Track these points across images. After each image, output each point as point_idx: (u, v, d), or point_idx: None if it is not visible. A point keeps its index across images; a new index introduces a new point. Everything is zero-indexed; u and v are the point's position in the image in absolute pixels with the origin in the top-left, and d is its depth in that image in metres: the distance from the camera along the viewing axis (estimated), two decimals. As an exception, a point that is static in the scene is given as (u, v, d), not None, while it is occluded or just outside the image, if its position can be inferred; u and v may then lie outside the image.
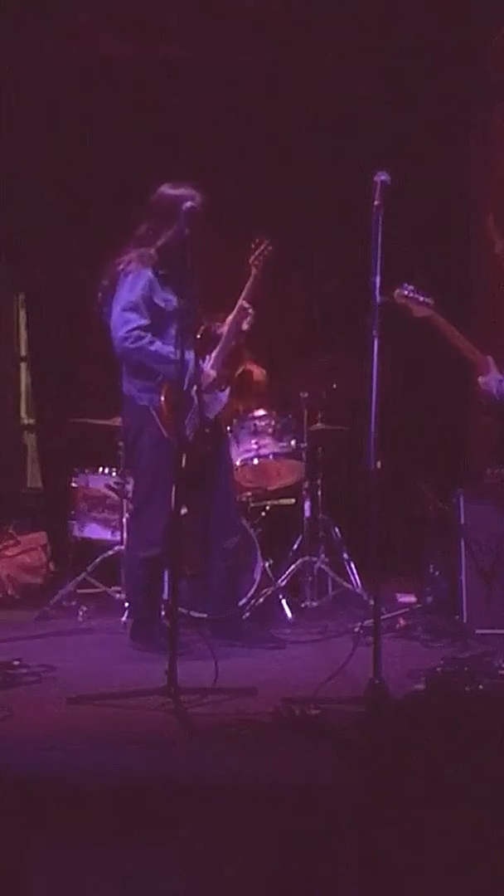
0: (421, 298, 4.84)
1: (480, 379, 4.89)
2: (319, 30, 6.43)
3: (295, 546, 5.94)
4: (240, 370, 6.11)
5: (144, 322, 4.83)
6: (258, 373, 6.40)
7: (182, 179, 4.82)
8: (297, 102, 6.79)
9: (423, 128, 6.64)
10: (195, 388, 4.45)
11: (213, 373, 5.06)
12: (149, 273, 4.86)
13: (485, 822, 2.71)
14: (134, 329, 4.82)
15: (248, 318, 5.12)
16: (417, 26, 6.27)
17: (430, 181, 6.56)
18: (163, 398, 4.84)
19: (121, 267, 4.90)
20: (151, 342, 4.82)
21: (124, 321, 4.84)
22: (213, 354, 5.09)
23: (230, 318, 5.12)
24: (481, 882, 2.56)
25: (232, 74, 6.75)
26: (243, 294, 5.14)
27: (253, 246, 5.20)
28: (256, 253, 5.18)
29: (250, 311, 5.12)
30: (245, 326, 5.14)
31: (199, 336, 4.93)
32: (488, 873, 2.58)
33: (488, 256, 5.36)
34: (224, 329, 5.12)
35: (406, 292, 4.81)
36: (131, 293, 4.86)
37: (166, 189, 4.84)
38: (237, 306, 5.11)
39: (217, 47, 6.61)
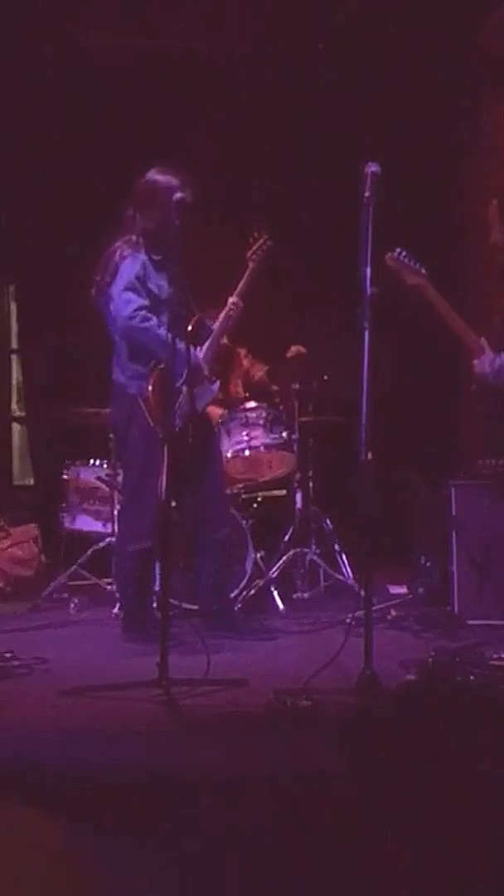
0: (413, 264, 4.79)
1: (475, 361, 4.87)
2: (310, 18, 6.42)
3: (286, 537, 5.94)
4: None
5: (145, 302, 4.81)
6: (243, 357, 6.44)
7: (174, 168, 4.81)
8: (287, 91, 6.79)
9: (416, 116, 6.63)
10: (188, 378, 4.45)
11: (203, 365, 5.05)
12: (143, 257, 4.85)
13: (478, 812, 2.72)
14: (139, 308, 4.79)
15: (236, 312, 5.12)
16: (410, 12, 6.26)
17: (421, 168, 6.56)
18: (150, 387, 4.83)
19: (116, 256, 4.89)
20: (159, 325, 4.76)
21: (126, 300, 4.81)
22: (205, 347, 5.08)
23: (223, 313, 5.12)
24: (477, 872, 2.56)
25: (224, 64, 6.74)
26: (239, 287, 5.14)
27: (251, 240, 5.18)
28: (255, 247, 5.17)
29: (239, 305, 5.11)
30: (232, 319, 5.14)
31: (190, 327, 4.93)
32: (483, 864, 2.58)
33: (482, 244, 5.35)
34: (216, 323, 5.12)
35: (398, 256, 4.76)
36: (129, 274, 4.84)
37: (152, 174, 4.83)
38: (229, 302, 5.11)
39: (210, 36, 6.59)
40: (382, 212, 3.89)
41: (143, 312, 4.79)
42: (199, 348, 5.05)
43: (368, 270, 3.87)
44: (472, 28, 6.44)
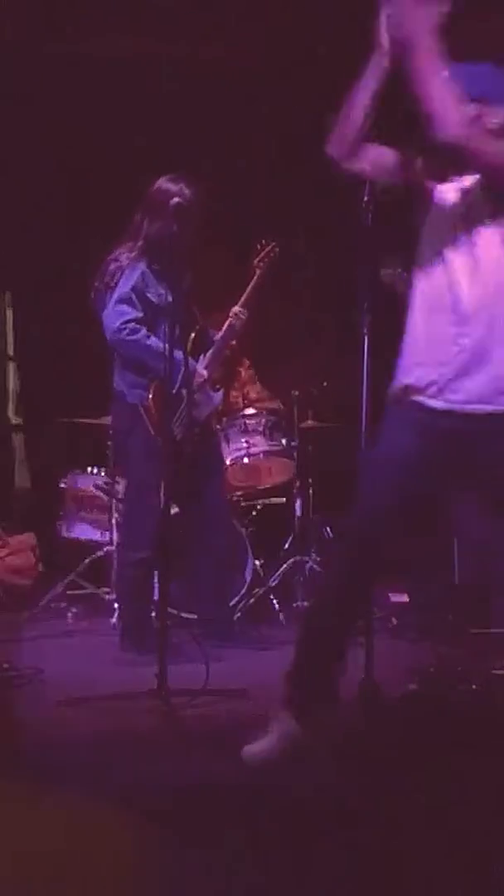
0: (409, 278, 4.81)
1: None
2: (313, 26, 6.41)
3: (286, 545, 5.91)
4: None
5: (139, 315, 4.80)
6: (244, 370, 6.40)
7: (185, 176, 4.80)
8: (288, 96, 6.77)
9: (415, 118, 6.60)
10: (185, 387, 4.43)
11: (205, 373, 5.03)
12: (142, 266, 4.84)
13: (479, 821, 2.69)
14: (129, 321, 4.79)
15: (241, 321, 5.10)
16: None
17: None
18: (151, 396, 4.82)
19: (115, 265, 4.88)
20: (147, 336, 4.78)
21: (119, 313, 4.81)
22: (208, 355, 5.06)
23: (227, 321, 5.10)
24: (476, 882, 2.53)
25: (225, 71, 6.72)
26: (245, 295, 5.12)
27: (259, 247, 5.18)
28: (262, 254, 5.16)
29: (243, 315, 5.10)
30: (237, 328, 5.12)
31: (193, 335, 4.92)
32: (483, 874, 2.55)
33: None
34: (220, 331, 5.10)
35: (393, 270, 4.77)
36: (125, 286, 4.83)
37: (161, 182, 4.83)
38: (233, 310, 5.09)
39: (210, 44, 6.58)
40: (382, 218, 3.87)
41: (131, 325, 4.79)
42: (201, 357, 5.04)
43: (369, 277, 3.86)
44: (474, 34, 6.42)
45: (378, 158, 3.27)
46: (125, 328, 4.79)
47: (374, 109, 3.24)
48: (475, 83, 3.08)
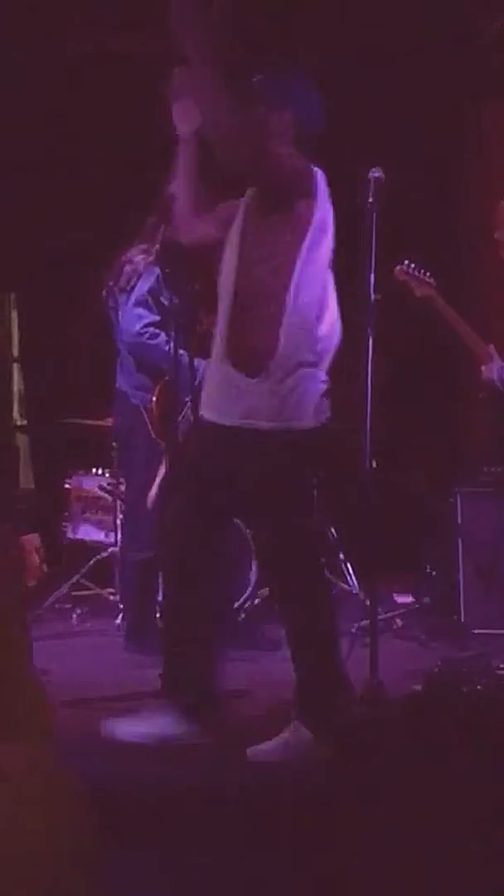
0: (422, 275, 4.79)
1: (483, 367, 4.86)
2: (311, 23, 6.40)
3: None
4: None
5: (156, 318, 4.80)
6: None
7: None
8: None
9: (417, 119, 6.60)
10: (191, 390, 4.44)
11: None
12: (157, 270, 4.84)
13: (482, 822, 2.68)
14: (149, 325, 4.80)
15: None
16: (413, 16, 6.23)
17: (423, 174, 6.52)
18: (155, 399, 4.82)
19: (130, 266, 4.88)
20: (167, 342, 4.77)
21: (137, 316, 4.81)
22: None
23: None
24: (481, 885, 2.53)
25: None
26: None
27: None
28: None
29: None
30: None
31: (197, 336, 4.91)
32: (487, 876, 2.54)
33: (485, 249, 5.32)
34: None
35: (407, 268, 4.76)
36: (142, 288, 4.84)
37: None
38: None
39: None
40: (385, 218, 3.87)
41: (151, 329, 4.79)
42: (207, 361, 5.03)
43: (372, 277, 3.86)
44: (476, 33, 6.42)
45: (217, 214, 3.71)
46: (146, 332, 4.79)
47: (197, 184, 3.77)
48: (276, 90, 3.70)
